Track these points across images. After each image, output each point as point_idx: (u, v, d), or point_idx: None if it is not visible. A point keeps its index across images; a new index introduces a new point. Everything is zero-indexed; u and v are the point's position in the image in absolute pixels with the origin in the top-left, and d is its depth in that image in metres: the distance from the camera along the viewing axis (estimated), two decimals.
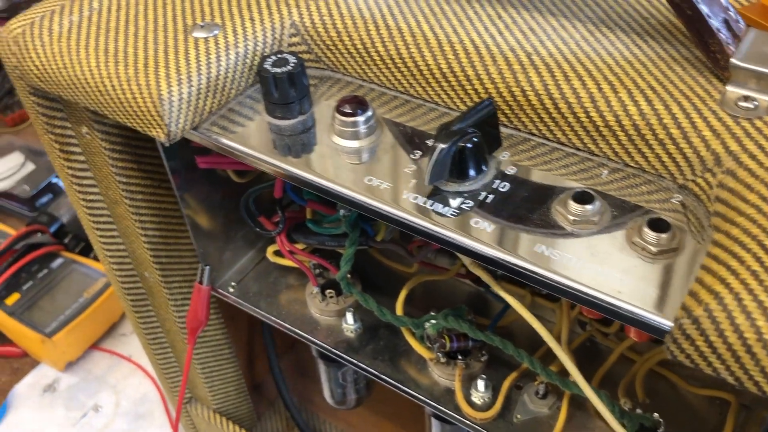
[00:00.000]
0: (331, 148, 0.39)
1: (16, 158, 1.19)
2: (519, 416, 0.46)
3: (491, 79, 0.38)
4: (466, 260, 0.42)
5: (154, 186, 0.51)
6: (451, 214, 0.35)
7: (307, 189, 0.39)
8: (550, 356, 0.48)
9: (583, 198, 0.33)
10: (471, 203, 0.35)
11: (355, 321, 0.51)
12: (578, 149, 0.37)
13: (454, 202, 0.35)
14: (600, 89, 0.36)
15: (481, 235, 0.34)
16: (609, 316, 0.31)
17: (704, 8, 0.34)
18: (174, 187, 0.48)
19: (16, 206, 1.13)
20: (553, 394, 0.46)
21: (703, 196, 0.33)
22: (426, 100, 0.41)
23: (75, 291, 0.94)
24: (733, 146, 0.32)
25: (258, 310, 0.54)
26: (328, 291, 0.52)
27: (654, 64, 0.37)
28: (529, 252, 0.33)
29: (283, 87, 0.39)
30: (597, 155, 0.37)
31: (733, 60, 0.34)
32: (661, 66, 0.37)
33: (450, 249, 0.34)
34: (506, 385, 0.46)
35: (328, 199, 0.39)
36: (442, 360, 0.47)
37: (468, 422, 0.46)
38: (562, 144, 0.38)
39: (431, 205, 0.35)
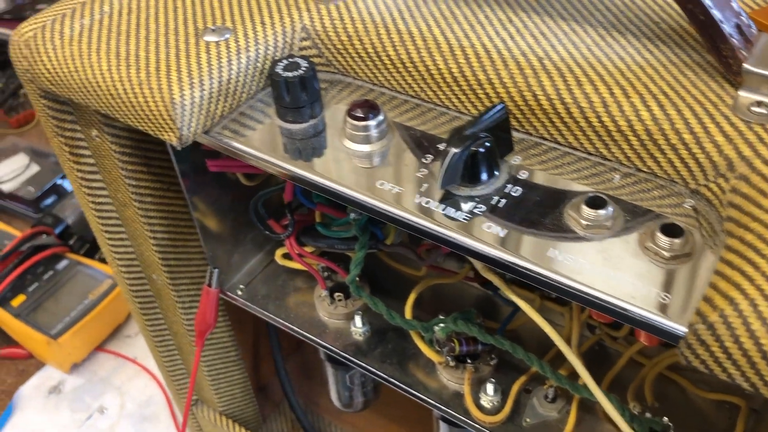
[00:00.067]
0: (342, 152, 0.39)
1: (20, 160, 1.19)
2: (528, 420, 0.46)
3: (503, 83, 0.38)
4: (478, 265, 0.42)
5: (163, 189, 0.51)
6: (464, 219, 0.35)
7: (318, 193, 0.39)
8: (558, 360, 0.48)
9: (596, 203, 0.33)
10: (483, 207, 0.35)
11: (363, 324, 0.51)
12: (590, 154, 0.37)
13: (466, 207, 0.35)
14: (612, 94, 0.36)
15: (494, 240, 0.34)
16: (623, 321, 0.31)
17: (717, 13, 0.34)
18: (184, 190, 0.48)
19: (21, 208, 1.13)
20: (562, 397, 0.46)
21: (716, 201, 0.33)
22: (437, 104, 0.41)
23: (80, 292, 0.94)
24: (746, 151, 0.32)
25: (266, 312, 0.54)
26: (337, 294, 0.52)
27: (666, 68, 0.37)
28: (542, 257, 0.33)
29: (295, 91, 0.39)
30: (609, 160, 0.37)
31: (745, 65, 0.34)
32: (673, 71, 0.37)
33: (463, 254, 0.34)
34: (515, 388, 0.46)
35: (339, 203, 0.39)
36: (451, 363, 0.47)
37: (477, 426, 0.46)
38: (574, 148, 0.38)
39: (443, 210, 0.35)
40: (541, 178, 0.37)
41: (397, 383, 0.48)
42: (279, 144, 0.40)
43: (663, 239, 0.32)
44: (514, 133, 0.39)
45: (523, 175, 0.37)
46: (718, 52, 0.35)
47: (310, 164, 0.39)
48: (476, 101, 0.39)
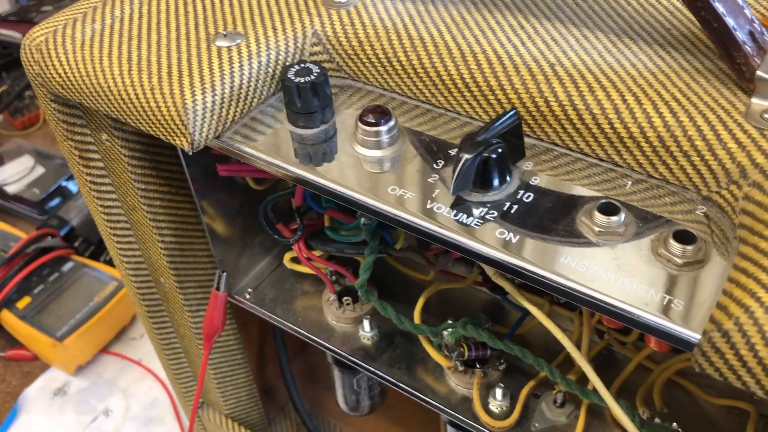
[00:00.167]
0: (353, 157, 0.39)
1: (25, 161, 1.19)
2: (537, 425, 0.46)
3: (514, 89, 0.38)
4: (489, 270, 0.42)
5: (172, 192, 0.51)
6: (475, 224, 0.35)
7: (329, 198, 0.39)
8: (566, 365, 0.48)
9: (608, 209, 0.34)
10: (495, 213, 0.35)
11: (371, 328, 0.51)
12: (602, 160, 0.37)
13: (478, 212, 0.35)
14: (624, 100, 0.36)
15: (506, 246, 0.34)
16: (636, 327, 0.31)
17: (730, 21, 0.34)
18: (193, 194, 0.48)
19: (26, 209, 1.13)
20: (571, 402, 0.46)
21: (728, 208, 0.33)
22: (448, 110, 0.41)
23: (85, 295, 0.95)
24: (760, 159, 0.32)
25: (274, 316, 0.54)
26: (345, 298, 0.52)
27: (678, 75, 0.37)
28: (555, 263, 0.33)
29: (306, 96, 0.39)
30: (620, 166, 0.37)
31: (759, 72, 0.34)
32: (685, 77, 0.37)
33: (474, 259, 0.34)
34: (524, 393, 0.47)
35: (348, 208, 0.39)
36: (460, 368, 0.47)
37: (486, 431, 0.46)
38: (586, 154, 0.38)
39: (455, 215, 0.35)
40: (552, 184, 0.37)
41: (406, 387, 0.48)
42: (290, 149, 0.40)
43: (676, 246, 0.32)
44: (525, 139, 0.39)
45: (534, 181, 0.37)
46: (731, 59, 0.35)
47: (322, 169, 0.39)
48: (487, 107, 0.39)
